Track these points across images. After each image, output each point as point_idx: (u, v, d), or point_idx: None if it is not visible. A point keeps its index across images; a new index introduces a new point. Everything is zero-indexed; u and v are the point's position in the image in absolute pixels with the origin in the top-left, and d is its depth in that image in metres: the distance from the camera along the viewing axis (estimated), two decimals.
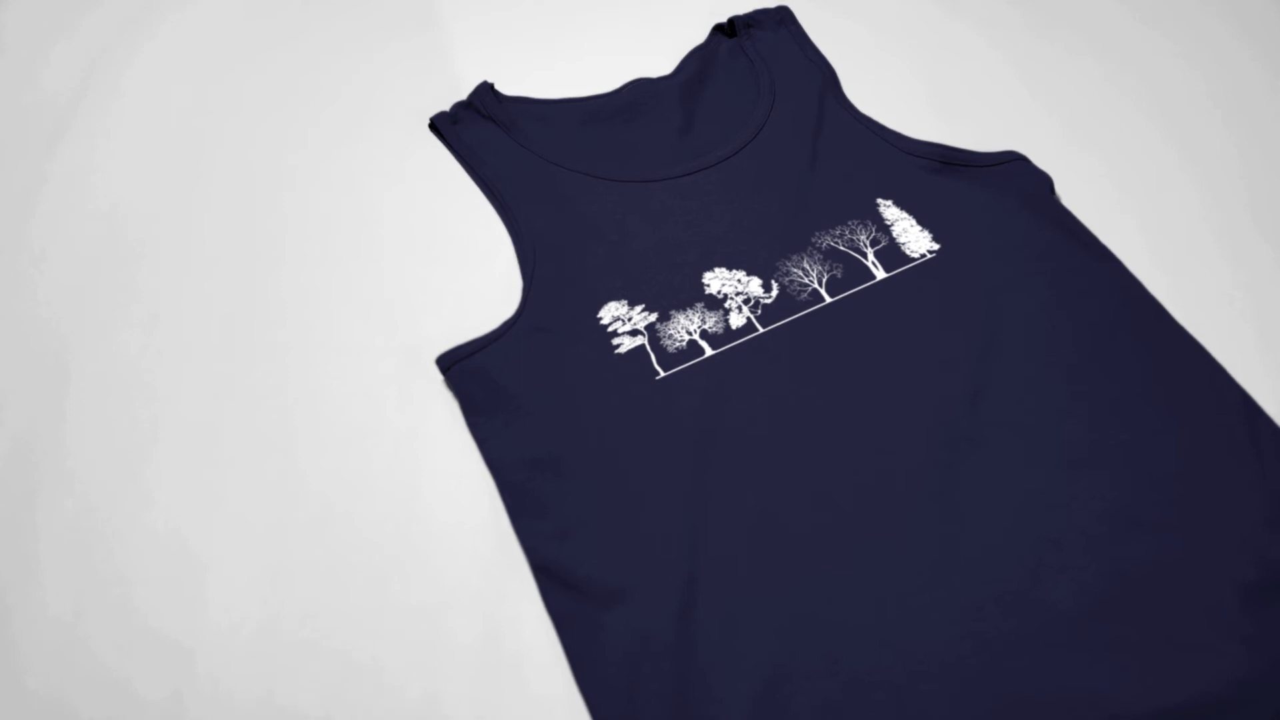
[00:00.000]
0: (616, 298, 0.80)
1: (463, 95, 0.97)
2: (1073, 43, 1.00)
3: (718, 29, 1.00)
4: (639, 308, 0.80)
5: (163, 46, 1.07)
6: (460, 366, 0.78)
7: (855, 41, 1.00)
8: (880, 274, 0.80)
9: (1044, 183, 0.85)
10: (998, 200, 0.84)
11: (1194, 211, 0.86)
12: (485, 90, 0.95)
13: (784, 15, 1.00)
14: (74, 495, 0.76)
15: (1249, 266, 0.82)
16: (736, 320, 0.79)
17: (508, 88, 0.97)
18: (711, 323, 0.79)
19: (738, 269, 0.82)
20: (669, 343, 0.78)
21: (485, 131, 0.93)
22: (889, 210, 0.84)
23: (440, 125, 0.95)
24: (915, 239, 0.82)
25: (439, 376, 0.79)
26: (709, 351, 0.77)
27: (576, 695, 0.65)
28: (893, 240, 0.82)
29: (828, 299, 0.79)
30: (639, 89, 0.96)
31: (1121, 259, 0.80)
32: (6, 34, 1.09)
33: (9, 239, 0.91)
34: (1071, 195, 0.86)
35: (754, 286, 0.80)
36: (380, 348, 0.82)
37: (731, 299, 0.80)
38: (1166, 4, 1.02)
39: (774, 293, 0.80)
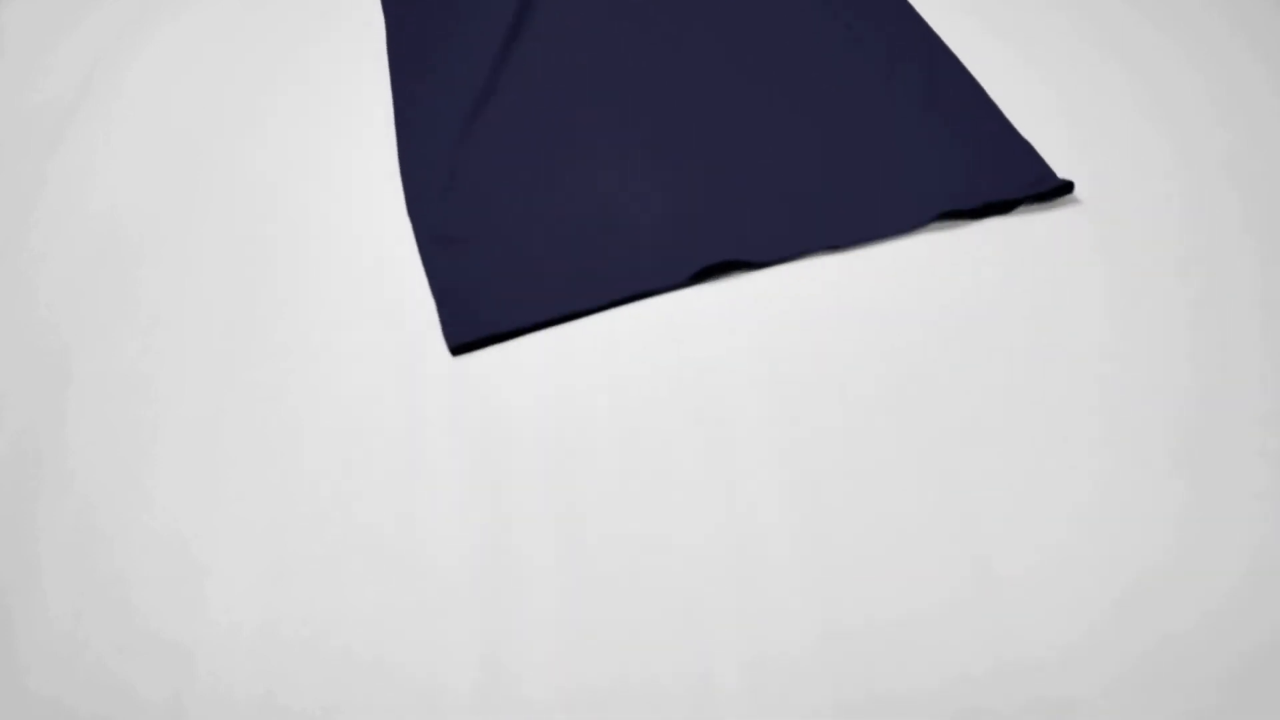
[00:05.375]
0: None
1: None
2: (1073, 42, 1.00)
3: None
4: None
5: (162, 48, 1.07)
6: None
7: None
8: None
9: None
10: None
11: (1193, 211, 0.86)
12: None
13: None
14: (74, 495, 0.76)
15: (1249, 266, 0.82)
16: None
17: None
18: None
19: None
20: None
21: None
22: None
23: None
24: None
25: (439, 375, 0.79)
26: None
27: (577, 695, 0.65)
28: None
29: None
30: None
31: (1121, 259, 0.80)
32: (6, 35, 1.09)
33: (9, 239, 0.91)
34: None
35: None
36: (380, 347, 0.82)
37: None
38: (1166, 4, 1.02)
39: None
